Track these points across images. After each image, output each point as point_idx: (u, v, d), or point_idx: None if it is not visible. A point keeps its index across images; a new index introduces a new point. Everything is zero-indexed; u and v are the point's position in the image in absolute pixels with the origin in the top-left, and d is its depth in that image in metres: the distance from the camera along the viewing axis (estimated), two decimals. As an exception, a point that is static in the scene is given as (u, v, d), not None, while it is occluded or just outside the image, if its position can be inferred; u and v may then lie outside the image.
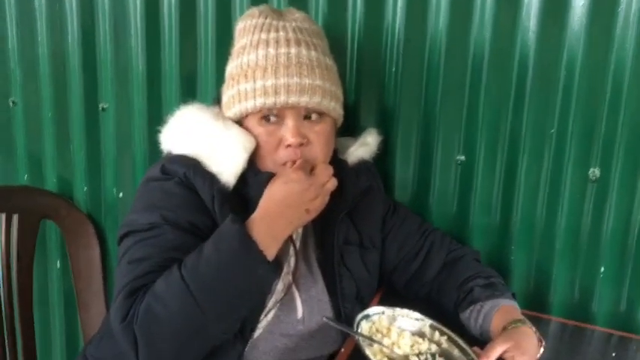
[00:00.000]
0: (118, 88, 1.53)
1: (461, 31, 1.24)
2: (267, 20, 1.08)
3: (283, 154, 1.06)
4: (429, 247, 1.24)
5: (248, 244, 0.95)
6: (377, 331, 1.05)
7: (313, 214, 1.03)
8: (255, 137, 1.06)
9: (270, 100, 1.02)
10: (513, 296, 1.14)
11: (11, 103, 1.65)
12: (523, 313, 1.10)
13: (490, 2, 1.21)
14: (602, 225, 1.24)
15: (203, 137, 1.08)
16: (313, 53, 1.06)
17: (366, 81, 1.34)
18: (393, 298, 1.20)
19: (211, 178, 1.05)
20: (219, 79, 1.42)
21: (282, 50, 1.03)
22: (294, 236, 1.14)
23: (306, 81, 1.03)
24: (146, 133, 1.52)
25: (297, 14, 1.12)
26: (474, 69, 1.25)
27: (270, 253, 0.97)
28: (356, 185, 1.18)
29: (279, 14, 1.11)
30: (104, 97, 1.56)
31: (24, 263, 1.48)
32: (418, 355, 1.02)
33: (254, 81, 1.03)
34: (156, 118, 1.46)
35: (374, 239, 1.24)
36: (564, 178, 1.24)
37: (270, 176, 1.04)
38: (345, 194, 1.15)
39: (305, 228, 1.17)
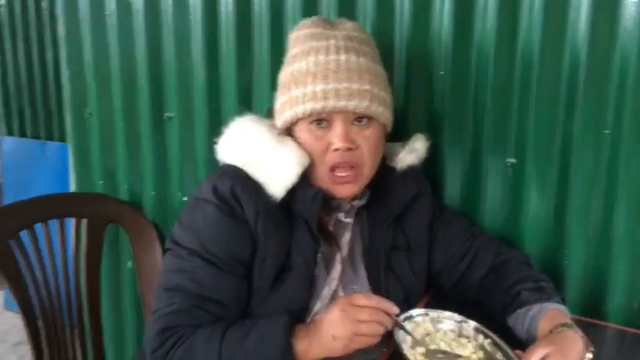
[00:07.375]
0: (182, 99, 1.62)
1: (508, 33, 1.23)
2: (319, 30, 1.11)
3: (331, 157, 1.08)
4: (476, 250, 1.23)
5: (288, 357, 0.97)
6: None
7: (357, 347, 0.98)
8: (305, 142, 1.09)
9: (319, 105, 1.05)
10: (562, 301, 1.11)
11: (87, 115, 1.77)
12: (577, 320, 1.07)
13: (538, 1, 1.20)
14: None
15: (256, 149, 1.10)
16: (362, 60, 1.08)
17: (414, 86, 1.36)
18: (441, 301, 1.19)
19: (258, 192, 1.08)
20: (273, 89, 1.48)
21: (332, 57, 1.06)
22: (340, 243, 1.17)
23: (355, 86, 1.05)
24: (207, 140, 1.59)
25: (349, 24, 1.15)
26: (524, 70, 1.23)
27: None
28: (404, 192, 1.19)
29: (330, 24, 1.14)
30: (169, 107, 1.65)
31: (92, 264, 1.58)
32: (461, 357, 1.02)
33: (304, 86, 1.06)
34: (216, 126, 1.53)
35: (421, 243, 1.24)
36: (620, 179, 1.20)
37: (317, 193, 1.08)
38: (394, 201, 1.18)
39: (352, 233, 1.19)
